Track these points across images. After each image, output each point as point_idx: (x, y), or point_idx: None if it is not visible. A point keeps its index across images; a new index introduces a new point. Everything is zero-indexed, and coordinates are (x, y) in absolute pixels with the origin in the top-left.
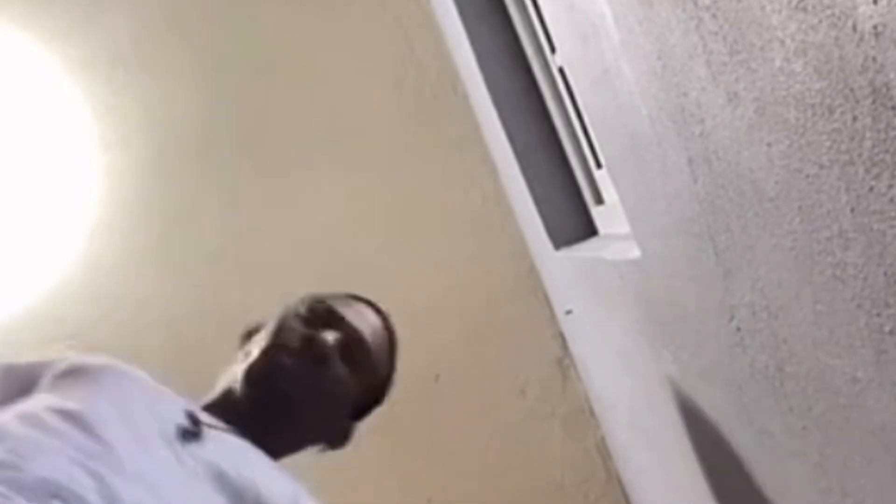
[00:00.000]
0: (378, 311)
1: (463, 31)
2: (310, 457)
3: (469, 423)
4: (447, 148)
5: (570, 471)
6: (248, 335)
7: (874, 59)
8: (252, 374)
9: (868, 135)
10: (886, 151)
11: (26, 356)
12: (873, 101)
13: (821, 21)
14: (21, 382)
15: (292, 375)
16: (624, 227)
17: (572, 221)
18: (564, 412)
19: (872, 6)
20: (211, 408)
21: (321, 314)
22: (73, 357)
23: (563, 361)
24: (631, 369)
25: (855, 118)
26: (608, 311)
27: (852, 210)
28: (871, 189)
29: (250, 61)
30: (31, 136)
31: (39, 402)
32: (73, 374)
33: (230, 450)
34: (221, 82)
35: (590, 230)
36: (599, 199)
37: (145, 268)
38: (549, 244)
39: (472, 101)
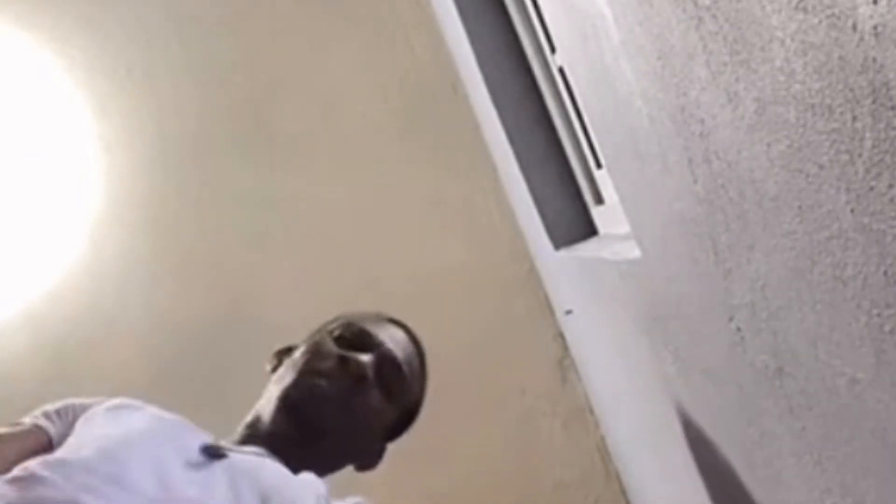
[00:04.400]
0: (408, 331)
1: (463, 31)
2: None
3: (469, 423)
4: (447, 148)
5: (570, 470)
6: (280, 356)
7: (874, 59)
8: (288, 400)
9: (868, 135)
10: (886, 151)
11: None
12: (873, 101)
13: (821, 21)
14: (72, 418)
15: (328, 400)
16: (624, 227)
17: (572, 221)
18: (564, 412)
19: (872, 6)
20: (243, 442)
21: (355, 336)
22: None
23: (563, 361)
24: (631, 369)
25: (855, 118)
26: (608, 311)
27: (852, 210)
28: (871, 189)
29: (250, 61)
30: (31, 137)
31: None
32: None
33: (253, 463)
34: (221, 82)
35: (590, 230)
36: (599, 199)
37: (145, 268)
38: (549, 244)
39: (472, 101)
